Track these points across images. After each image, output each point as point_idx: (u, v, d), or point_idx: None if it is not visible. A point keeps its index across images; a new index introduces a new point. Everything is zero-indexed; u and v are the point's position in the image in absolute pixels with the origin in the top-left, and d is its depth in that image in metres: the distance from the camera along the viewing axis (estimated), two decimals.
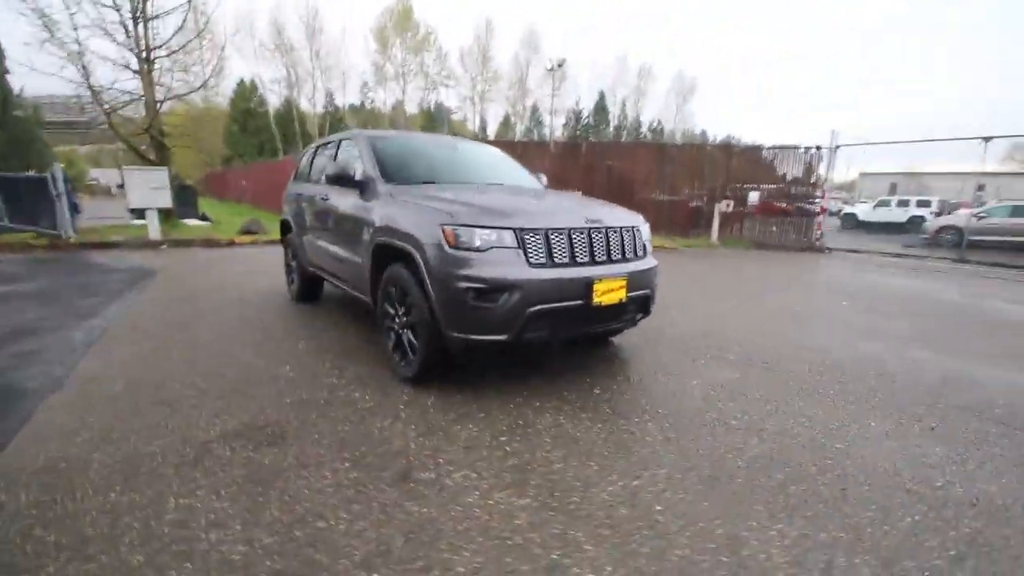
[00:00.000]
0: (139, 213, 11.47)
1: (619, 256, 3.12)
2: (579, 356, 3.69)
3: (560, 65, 29.65)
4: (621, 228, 3.18)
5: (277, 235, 6.21)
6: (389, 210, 3.25)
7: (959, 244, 12.58)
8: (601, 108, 55.16)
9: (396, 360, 3.24)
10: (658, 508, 1.95)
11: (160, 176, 9.85)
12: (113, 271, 6.81)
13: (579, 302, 2.85)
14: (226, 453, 2.28)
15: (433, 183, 3.65)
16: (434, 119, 45.64)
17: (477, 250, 2.71)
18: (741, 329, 4.56)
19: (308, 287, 5.21)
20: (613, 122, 56.04)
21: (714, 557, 1.70)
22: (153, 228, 9.75)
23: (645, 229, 3.44)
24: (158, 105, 11.64)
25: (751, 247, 12.81)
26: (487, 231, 2.73)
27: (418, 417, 2.67)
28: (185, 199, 13.83)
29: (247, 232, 11.73)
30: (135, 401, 2.78)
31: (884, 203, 22.33)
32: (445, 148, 4.43)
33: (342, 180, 3.72)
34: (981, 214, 14.02)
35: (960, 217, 15.49)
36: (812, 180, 13.27)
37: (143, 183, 9.59)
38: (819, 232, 13.08)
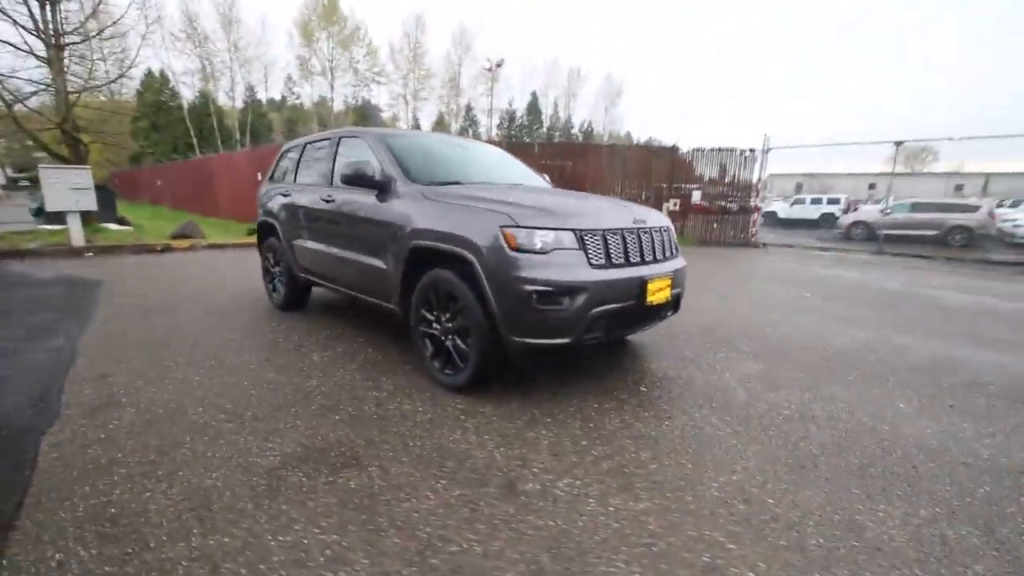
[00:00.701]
0: (50, 217, 10.25)
1: (662, 256, 3.18)
2: (605, 355, 3.72)
3: (499, 65, 29.70)
4: (661, 228, 3.24)
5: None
6: (425, 212, 3.10)
7: (868, 238, 14.02)
8: (534, 108, 56.05)
9: (436, 368, 3.10)
10: (770, 501, 2.00)
11: (82, 176, 8.81)
12: (48, 283, 5.98)
13: (634, 302, 2.87)
14: (303, 480, 2.07)
15: (458, 183, 3.52)
16: (364, 117, 44.27)
17: (540, 252, 2.64)
18: (736, 322, 4.80)
19: (296, 294, 4.87)
20: (546, 123, 57.13)
21: (847, 543, 1.77)
22: (76, 233, 8.68)
23: (673, 229, 3.53)
24: (72, 97, 10.36)
25: (697, 244, 13.53)
26: (549, 232, 2.68)
27: (486, 426, 2.57)
28: (103, 201, 12.43)
29: (182, 236, 10.78)
30: (161, 430, 2.46)
31: (800, 201, 24.40)
32: (457, 147, 4.30)
33: (358, 180, 3.49)
34: (887, 210, 15.69)
35: (870, 213, 17.29)
36: (753, 181, 14.22)
37: (62, 184, 8.53)
38: (754, 229, 14.08)
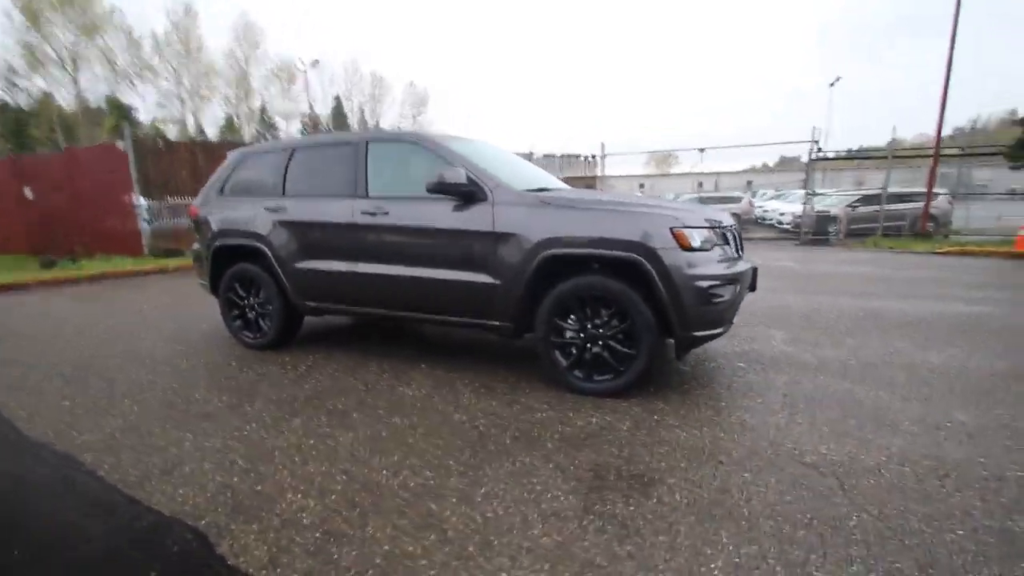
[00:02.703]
0: None
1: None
2: None
3: (314, 65, 27.34)
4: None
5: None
6: (556, 219, 2.99)
7: None
8: (339, 114, 53.17)
9: (577, 377, 3.04)
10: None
11: None
12: None
13: (749, 291, 3.28)
14: (590, 508, 1.93)
15: (546, 189, 3.47)
16: (120, 116, 36.42)
17: (703, 250, 2.84)
18: (762, 303, 5.35)
19: (291, 326, 4.09)
20: (353, 128, 54.69)
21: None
22: None
23: None
24: None
25: None
26: (708, 231, 2.89)
27: (688, 432, 2.66)
28: None
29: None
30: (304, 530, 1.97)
31: None
32: (500, 152, 4.13)
33: (447, 190, 3.16)
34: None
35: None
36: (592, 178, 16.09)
37: None
38: None
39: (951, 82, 11.74)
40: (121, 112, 36.42)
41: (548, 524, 1.84)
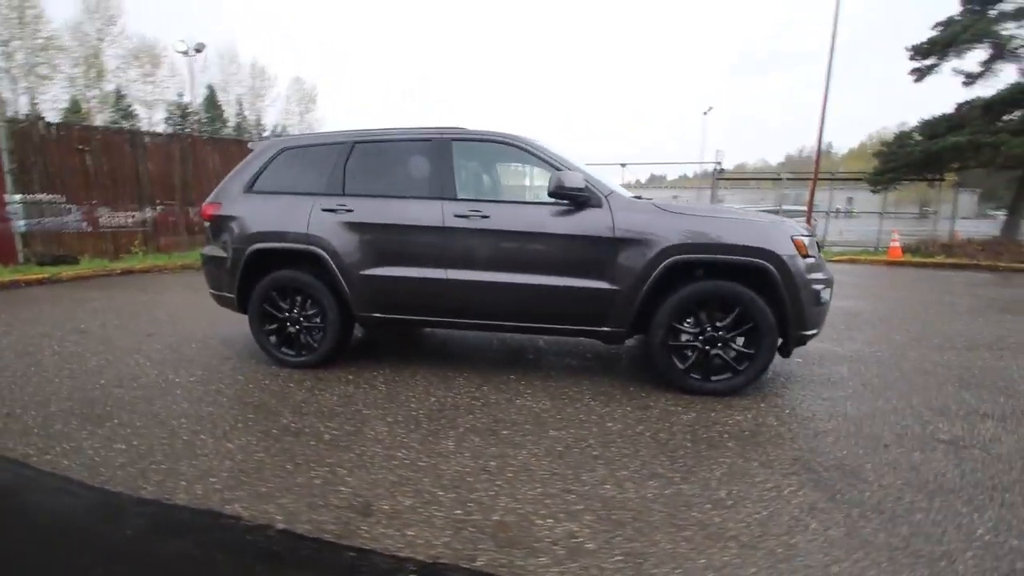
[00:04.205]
0: None
1: None
2: None
3: (199, 50, 24.12)
4: None
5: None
6: (680, 226, 3.07)
7: None
8: (213, 104, 47.93)
9: (696, 379, 3.16)
10: None
11: None
12: None
13: None
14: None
15: (643, 196, 3.56)
16: None
17: (812, 255, 3.13)
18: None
19: (343, 342, 3.69)
20: (231, 121, 49.68)
21: None
22: None
23: None
24: None
25: None
26: (811, 238, 3.19)
27: (835, 423, 2.92)
28: None
29: None
30: None
31: None
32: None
33: (566, 195, 3.11)
34: None
35: None
36: None
37: None
38: None
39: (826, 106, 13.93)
40: None
41: (815, 518, 1.91)
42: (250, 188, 3.69)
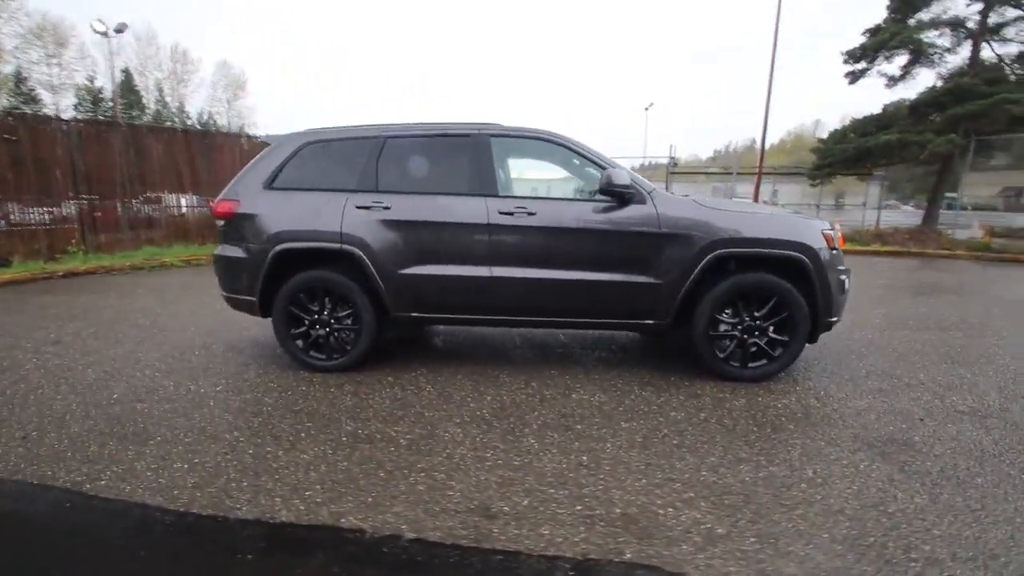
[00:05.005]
0: None
1: None
2: None
3: (120, 31, 21.82)
4: None
5: None
6: (722, 220, 3.21)
7: None
8: (130, 89, 44.06)
9: (734, 367, 3.33)
10: None
11: None
12: None
13: None
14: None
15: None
16: None
17: (836, 248, 3.37)
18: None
19: (376, 343, 3.59)
20: (151, 108, 45.93)
21: None
22: None
23: None
24: None
25: None
26: (836, 232, 3.43)
27: (866, 400, 3.17)
28: None
29: None
30: None
31: None
32: None
33: (613, 192, 3.18)
34: None
35: None
36: None
37: None
38: None
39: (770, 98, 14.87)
40: None
41: (898, 489, 2.10)
42: (271, 184, 3.48)
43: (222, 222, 3.55)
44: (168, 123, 46.22)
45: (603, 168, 3.27)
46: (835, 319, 3.35)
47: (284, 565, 1.69)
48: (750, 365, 3.32)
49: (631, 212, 3.23)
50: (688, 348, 3.47)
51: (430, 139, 3.48)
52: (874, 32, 14.08)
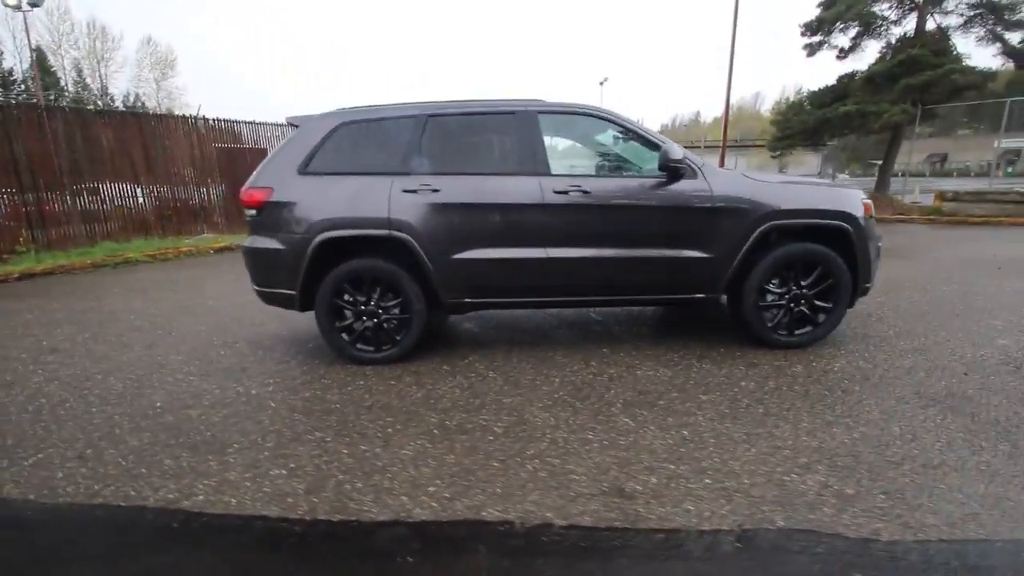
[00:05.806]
0: None
1: None
2: None
3: (35, 4, 19.55)
4: None
5: None
6: (776, 193, 3.27)
7: None
8: (44, 69, 40.05)
9: (782, 334, 3.46)
10: None
11: None
12: None
13: None
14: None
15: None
16: None
17: (872, 216, 3.52)
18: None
19: (426, 332, 3.51)
20: (70, 89, 42.06)
21: None
22: None
23: None
24: None
25: None
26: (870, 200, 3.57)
27: (916, 358, 3.36)
28: None
29: None
30: None
31: None
32: None
33: (670, 168, 3.18)
34: None
35: None
36: None
37: None
38: None
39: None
40: None
41: (980, 440, 2.26)
42: (305, 169, 3.27)
43: (253, 212, 3.31)
44: (91, 106, 42.56)
45: (653, 143, 3.25)
46: (870, 284, 3.51)
47: (448, 563, 1.64)
48: (796, 332, 3.44)
49: (684, 187, 3.24)
50: (717, 319, 3.56)
51: (473, 116, 3.35)
52: (828, 5, 14.58)
